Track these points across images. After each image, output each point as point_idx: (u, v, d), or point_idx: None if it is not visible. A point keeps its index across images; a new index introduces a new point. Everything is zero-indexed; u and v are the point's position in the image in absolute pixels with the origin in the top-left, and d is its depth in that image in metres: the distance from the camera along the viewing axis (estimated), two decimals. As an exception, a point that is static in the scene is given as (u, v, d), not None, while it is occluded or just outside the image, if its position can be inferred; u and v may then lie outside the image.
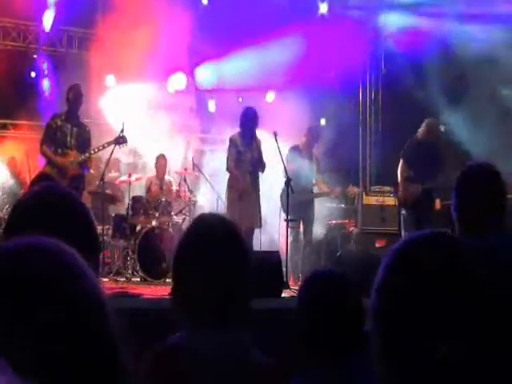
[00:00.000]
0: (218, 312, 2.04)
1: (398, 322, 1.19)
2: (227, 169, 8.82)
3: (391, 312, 1.20)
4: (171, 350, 2.02)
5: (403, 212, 8.74)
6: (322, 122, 12.05)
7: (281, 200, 9.26)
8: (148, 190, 10.29)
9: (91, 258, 1.10)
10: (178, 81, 12.10)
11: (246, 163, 8.69)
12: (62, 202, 1.96)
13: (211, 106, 12.62)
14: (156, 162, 10.50)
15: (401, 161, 8.68)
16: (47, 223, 1.66)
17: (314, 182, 9.63)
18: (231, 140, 8.79)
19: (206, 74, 12.23)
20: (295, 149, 9.53)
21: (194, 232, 2.13)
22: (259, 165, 8.79)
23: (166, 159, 10.51)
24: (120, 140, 8.59)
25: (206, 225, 2.14)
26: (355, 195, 9.90)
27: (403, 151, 8.69)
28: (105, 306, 0.99)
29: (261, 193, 8.86)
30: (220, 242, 2.08)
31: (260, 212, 8.80)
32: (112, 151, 8.64)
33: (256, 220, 8.58)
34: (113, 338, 0.98)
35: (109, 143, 8.59)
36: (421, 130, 8.63)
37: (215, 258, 2.05)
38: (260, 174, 8.88)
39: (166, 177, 10.53)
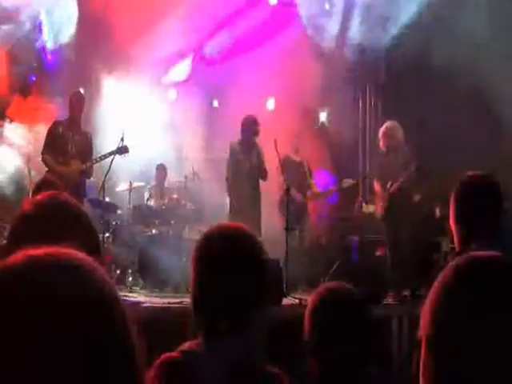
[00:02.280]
0: (236, 321, 2.04)
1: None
2: (226, 178, 8.87)
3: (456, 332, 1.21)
4: (183, 358, 2.01)
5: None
6: (323, 118, 12.10)
7: (279, 207, 9.30)
8: (148, 198, 10.29)
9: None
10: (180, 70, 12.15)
11: (244, 171, 8.71)
12: (63, 212, 1.96)
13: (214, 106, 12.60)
14: (156, 172, 10.52)
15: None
16: (50, 234, 1.67)
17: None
18: (230, 148, 8.83)
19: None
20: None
21: (213, 242, 2.11)
22: (259, 172, 8.81)
23: (165, 169, 10.53)
24: (122, 149, 8.59)
25: (225, 235, 2.12)
26: (349, 185, 9.96)
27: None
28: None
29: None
30: (239, 253, 2.08)
31: (259, 220, 8.82)
32: (112, 160, 8.64)
33: (255, 228, 8.58)
34: (135, 353, 0.98)
35: (110, 153, 8.59)
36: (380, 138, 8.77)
37: (235, 268, 2.05)
38: (261, 181, 8.93)
39: (166, 185, 10.55)
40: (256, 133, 8.84)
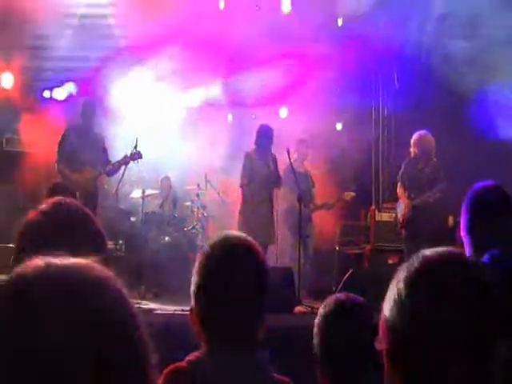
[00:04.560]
0: (238, 331, 2.05)
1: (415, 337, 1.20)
2: (240, 185, 8.87)
3: (411, 327, 1.21)
4: (190, 368, 2.02)
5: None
6: (339, 127, 12.06)
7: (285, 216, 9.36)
8: (161, 205, 10.33)
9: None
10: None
11: (259, 179, 8.74)
12: (69, 218, 1.96)
13: (228, 121, 12.62)
14: (160, 184, 10.62)
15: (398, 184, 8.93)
16: (56, 240, 1.67)
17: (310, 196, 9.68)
18: (246, 156, 8.86)
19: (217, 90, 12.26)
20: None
21: (214, 254, 2.11)
22: (274, 181, 8.85)
23: (169, 181, 10.68)
24: (135, 156, 8.62)
25: (227, 247, 2.12)
26: (351, 197, 9.92)
27: (400, 172, 8.92)
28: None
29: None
30: (240, 265, 2.09)
31: (274, 228, 8.84)
32: (125, 168, 8.67)
33: (269, 236, 8.59)
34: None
35: (124, 160, 8.61)
36: (411, 146, 8.74)
37: (236, 279, 2.06)
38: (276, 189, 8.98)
39: (172, 196, 10.63)
40: (271, 140, 8.89)
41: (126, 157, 8.60)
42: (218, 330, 2.05)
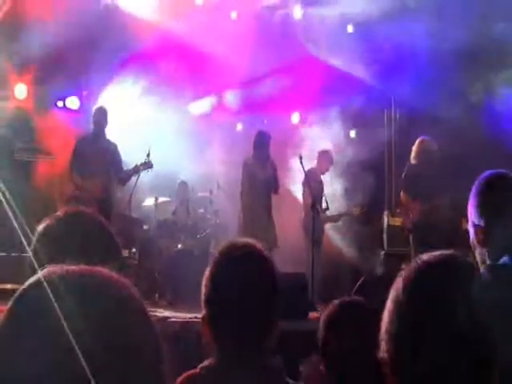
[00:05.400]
0: (250, 338, 2.04)
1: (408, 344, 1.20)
2: (240, 192, 9.01)
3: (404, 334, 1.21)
4: (204, 375, 2.01)
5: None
6: (352, 134, 12.03)
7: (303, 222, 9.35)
8: (174, 212, 10.35)
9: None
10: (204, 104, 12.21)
11: (258, 185, 8.83)
12: (84, 227, 1.98)
13: (238, 128, 12.65)
14: (178, 188, 10.59)
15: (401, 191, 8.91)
16: (73, 249, 1.68)
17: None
18: (244, 164, 8.98)
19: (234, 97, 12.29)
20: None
21: (223, 261, 2.11)
22: (273, 186, 8.93)
23: (187, 185, 10.61)
24: (146, 165, 8.67)
25: (236, 253, 2.11)
26: (359, 212, 9.93)
27: (402, 181, 8.91)
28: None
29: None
30: (250, 270, 2.08)
31: (275, 231, 8.88)
32: (138, 176, 8.71)
33: (271, 241, 8.59)
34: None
35: (135, 169, 8.66)
36: (412, 153, 8.71)
37: (246, 284, 2.05)
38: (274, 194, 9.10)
39: (189, 200, 10.60)
40: (269, 147, 8.95)
41: (136, 166, 8.66)
42: (229, 338, 2.03)
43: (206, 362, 2.06)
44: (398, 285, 1.26)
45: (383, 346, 1.26)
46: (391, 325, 1.24)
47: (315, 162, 9.63)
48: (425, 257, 1.29)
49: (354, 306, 2.58)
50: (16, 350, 0.90)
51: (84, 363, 0.89)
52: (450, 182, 8.42)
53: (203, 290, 2.09)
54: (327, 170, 9.81)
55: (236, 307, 2.01)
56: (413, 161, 8.71)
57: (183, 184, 10.57)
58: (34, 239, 1.95)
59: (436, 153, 8.61)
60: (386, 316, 1.26)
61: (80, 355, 0.89)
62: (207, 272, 2.10)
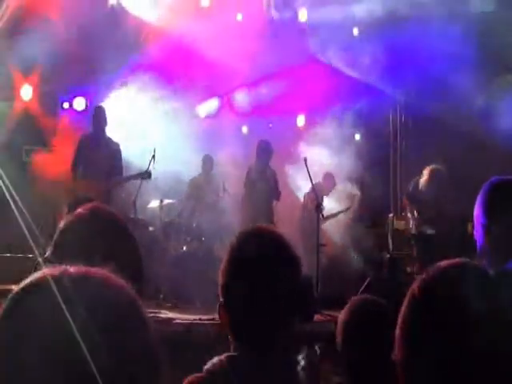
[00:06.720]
0: (267, 335, 1.95)
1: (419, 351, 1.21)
2: (241, 199, 9.22)
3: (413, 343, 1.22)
4: (209, 378, 1.94)
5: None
6: (357, 137, 12.03)
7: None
8: (179, 214, 10.34)
9: (137, 282, 1.10)
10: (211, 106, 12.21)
11: (258, 192, 9.03)
12: (108, 225, 1.98)
13: (244, 130, 12.64)
14: (202, 164, 10.49)
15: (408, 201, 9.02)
16: (95, 247, 1.68)
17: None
18: (247, 172, 9.28)
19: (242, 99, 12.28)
20: None
21: (243, 247, 2.00)
22: (273, 193, 9.12)
23: (212, 159, 10.54)
24: (144, 175, 8.73)
25: (257, 240, 2.01)
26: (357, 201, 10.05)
27: (408, 193, 9.04)
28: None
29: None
30: (271, 260, 1.97)
31: None
32: (140, 186, 8.82)
33: None
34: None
35: (133, 176, 8.75)
36: (423, 181, 8.68)
37: (266, 279, 1.93)
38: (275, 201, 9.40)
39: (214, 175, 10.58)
40: (270, 156, 9.20)
41: (136, 175, 8.76)
42: (248, 329, 1.95)
43: (211, 364, 1.95)
44: (414, 290, 1.28)
45: (397, 348, 1.27)
46: (406, 328, 1.26)
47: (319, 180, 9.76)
48: (441, 263, 1.31)
49: (375, 305, 2.58)
50: (15, 349, 0.91)
51: (82, 363, 0.89)
52: (456, 195, 8.41)
53: (220, 276, 1.97)
54: (330, 191, 10.03)
55: (255, 298, 1.91)
56: (423, 188, 8.66)
57: (208, 158, 10.41)
58: (55, 236, 1.95)
59: (447, 181, 8.57)
60: (401, 320, 1.27)
61: (78, 355, 0.89)
62: (225, 258, 2.00)
